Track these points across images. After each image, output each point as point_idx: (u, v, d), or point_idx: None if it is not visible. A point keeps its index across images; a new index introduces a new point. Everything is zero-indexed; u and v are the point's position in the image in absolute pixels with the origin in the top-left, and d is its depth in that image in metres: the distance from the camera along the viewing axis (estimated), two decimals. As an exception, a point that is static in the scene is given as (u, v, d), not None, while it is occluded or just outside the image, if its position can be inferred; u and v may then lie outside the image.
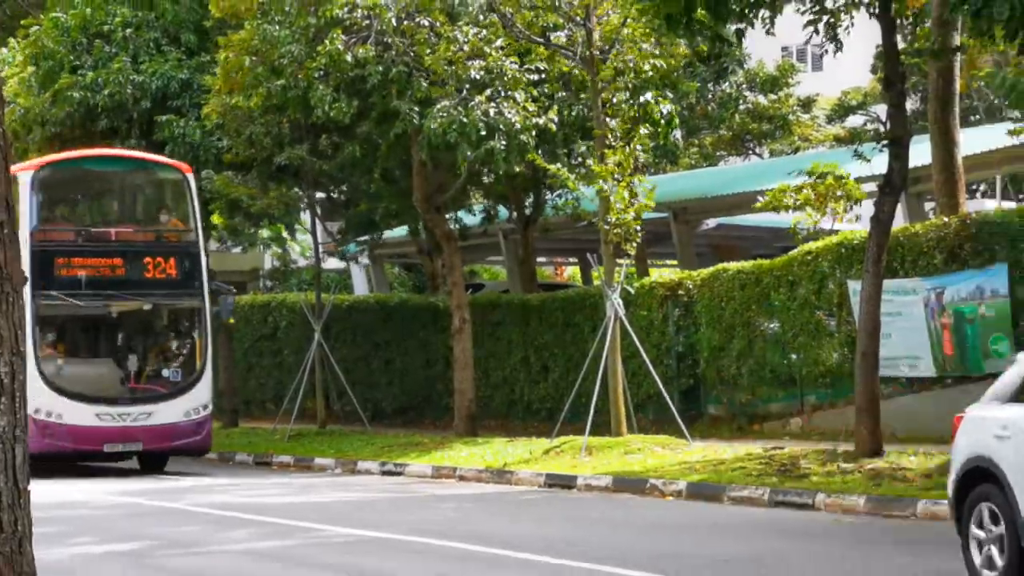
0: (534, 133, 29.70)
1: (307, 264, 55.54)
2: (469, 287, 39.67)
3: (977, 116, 46.94)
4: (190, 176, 29.08)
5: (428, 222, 34.29)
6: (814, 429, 27.54)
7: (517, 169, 30.23)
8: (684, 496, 21.66)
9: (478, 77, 29.29)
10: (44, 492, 24.83)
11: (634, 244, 28.11)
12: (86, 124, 35.90)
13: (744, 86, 54.25)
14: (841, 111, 56.85)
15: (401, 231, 40.60)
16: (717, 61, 40.76)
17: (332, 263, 53.61)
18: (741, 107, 53.65)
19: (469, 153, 28.57)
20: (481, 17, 30.38)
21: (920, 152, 28.14)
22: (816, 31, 23.55)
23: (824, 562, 15.00)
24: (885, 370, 24.18)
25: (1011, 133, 28.45)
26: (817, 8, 23.12)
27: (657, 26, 24.83)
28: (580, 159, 31.84)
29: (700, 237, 42.04)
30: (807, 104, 56.62)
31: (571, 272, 56.61)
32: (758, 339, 29.31)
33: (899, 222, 26.86)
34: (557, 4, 29.69)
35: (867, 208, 26.48)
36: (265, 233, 54.62)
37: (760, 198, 30.03)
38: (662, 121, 30.38)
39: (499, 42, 29.79)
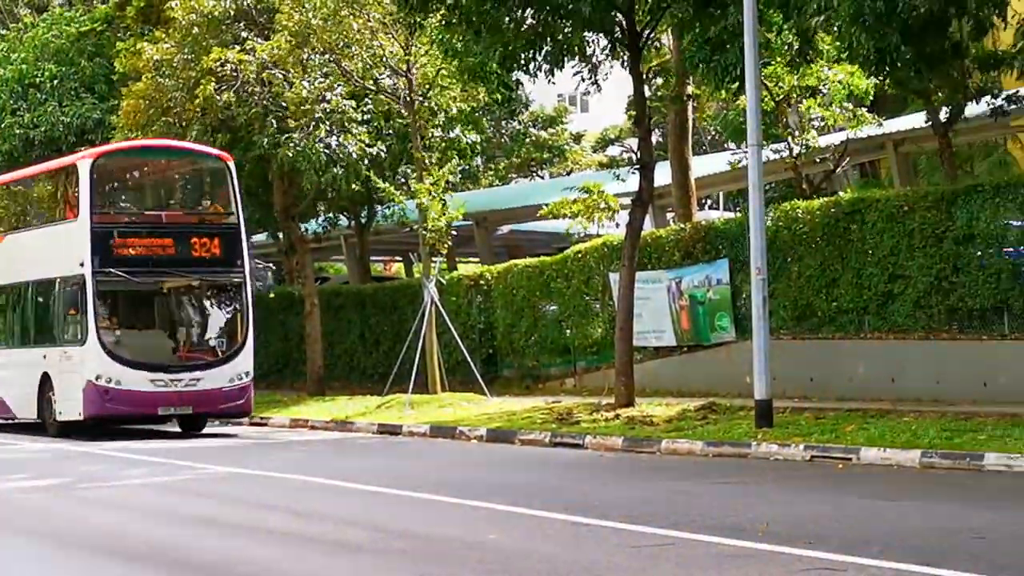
0: (367, 160, 29.55)
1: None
2: (318, 279, 39.20)
3: (704, 147, 47.51)
4: (231, 164, 25.78)
5: (285, 229, 33.87)
6: (584, 387, 27.65)
7: (355, 187, 30.05)
8: (485, 440, 21.49)
9: (321, 116, 29.04)
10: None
11: (446, 245, 28.04)
12: (26, 153, 37.09)
13: (529, 123, 54.59)
14: (603, 143, 57.24)
15: (263, 236, 39.90)
16: (508, 105, 40.70)
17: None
18: (527, 140, 53.97)
19: (316, 178, 28.67)
20: (325, 69, 29.99)
21: (663, 174, 28.51)
22: (583, 79, 23.66)
23: (588, 484, 15.04)
24: (637, 341, 24.32)
25: (731, 164, 28.88)
26: (584, 63, 23.21)
27: (460, 75, 24.72)
28: (404, 179, 31.61)
29: (497, 240, 42.03)
30: (577, 137, 57.12)
31: (397, 268, 56.22)
32: (541, 318, 29.39)
33: (648, 228, 27.06)
34: (384, 58, 29.53)
35: (623, 217, 26.66)
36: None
37: (544, 207, 30.13)
38: (468, 150, 30.46)
39: (339, 88, 29.62)
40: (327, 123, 29.20)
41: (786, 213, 23.77)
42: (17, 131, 37.88)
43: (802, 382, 22.86)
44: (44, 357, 25.35)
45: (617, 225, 31.31)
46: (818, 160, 27.28)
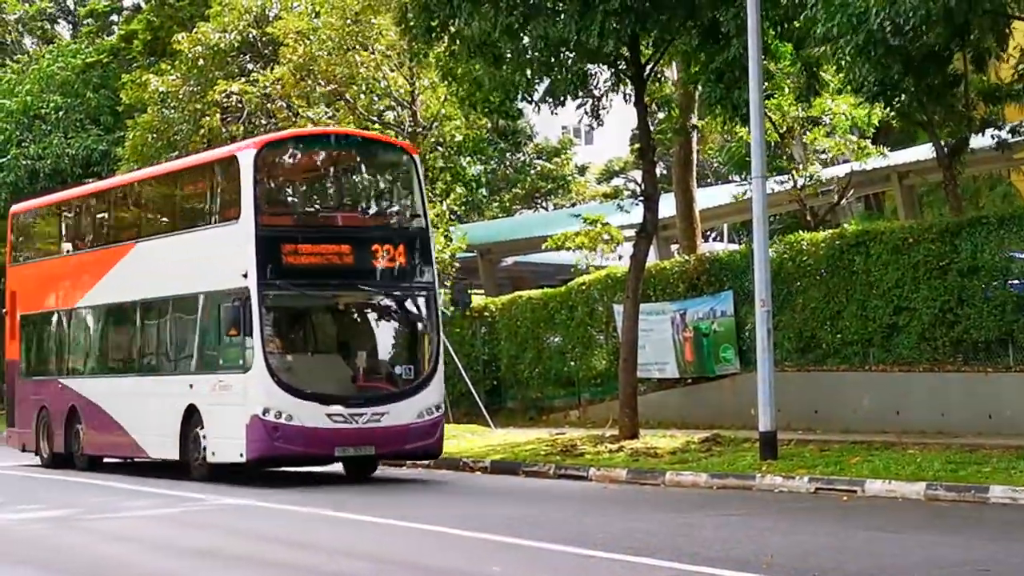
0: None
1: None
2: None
3: (708, 179, 47.66)
4: (416, 157, 22.16)
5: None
6: (588, 419, 27.59)
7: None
8: (490, 471, 21.43)
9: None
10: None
11: (450, 277, 28.10)
12: (31, 185, 37.67)
13: (534, 155, 54.72)
14: (607, 174, 57.34)
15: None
16: (513, 137, 40.91)
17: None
18: (532, 171, 54.06)
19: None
20: (328, 102, 30.22)
21: (667, 206, 28.56)
22: (586, 112, 23.76)
23: (592, 516, 15.02)
24: (641, 373, 24.32)
25: (735, 196, 28.99)
26: (586, 96, 23.33)
27: (462, 103, 24.74)
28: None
29: (501, 271, 42.10)
30: (582, 169, 57.23)
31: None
32: (545, 350, 29.40)
33: (652, 260, 27.11)
34: (389, 90, 29.70)
35: (627, 249, 26.74)
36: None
37: (548, 239, 30.19)
38: (472, 181, 30.56)
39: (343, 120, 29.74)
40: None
41: (791, 245, 23.83)
42: (23, 162, 38.40)
43: (807, 414, 22.85)
44: (190, 387, 21.05)
45: (620, 257, 31.42)
46: (822, 192, 27.38)
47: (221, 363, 20.46)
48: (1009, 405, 20.42)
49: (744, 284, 23.93)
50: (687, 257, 27.37)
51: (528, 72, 21.87)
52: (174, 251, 22.24)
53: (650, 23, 21.13)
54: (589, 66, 22.66)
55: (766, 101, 21.49)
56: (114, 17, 44.80)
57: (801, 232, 24.63)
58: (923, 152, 27.32)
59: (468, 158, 31.68)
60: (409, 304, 21.28)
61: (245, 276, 19.61)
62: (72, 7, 48.59)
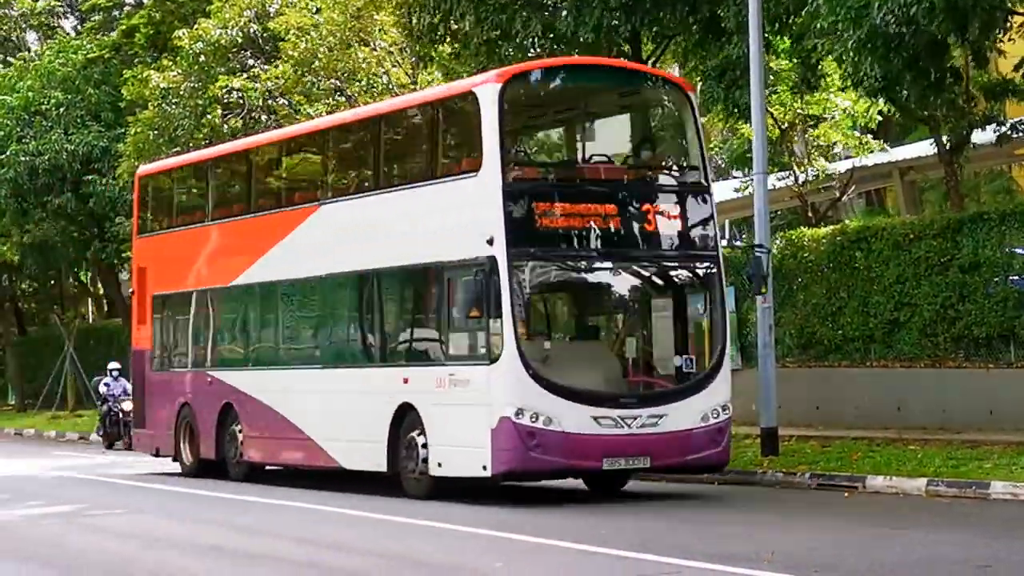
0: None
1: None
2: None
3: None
4: (693, 97, 17.74)
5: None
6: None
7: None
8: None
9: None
10: None
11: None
12: (31, 181, 38.17)
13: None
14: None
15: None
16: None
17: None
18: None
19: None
20: (330, 98, 30.40)
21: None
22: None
23: (594, 513, 15.00)
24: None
25: (737, 190, 29.00)
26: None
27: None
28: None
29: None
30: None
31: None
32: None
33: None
34: (391, 86, 29.76)
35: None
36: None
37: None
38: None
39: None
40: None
41: (792, 241, 23.87)
42: (22, 158, 38.36)
43: (808, 410, 22.93)
44: (405, 381, 17.12)
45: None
46: (824, 188, 27.40)
47: (452, 352, 16.57)
48: (1010, 400, 20.51)
49: (746, 280, 23.97)
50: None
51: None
52: (382, 213, 18.13)
53: (649, 19, 21.17)
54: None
55: (767, 96, 21.54)
56: (116, 13, 44.90)
57: (803, 228, 24.67)
58: (923, 148, 27.35)
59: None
60: (690, 279, 17.26)
61: (490, 243, 15.60)
62: (76, 2, 48.72)
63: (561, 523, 14.33)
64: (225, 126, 29.89)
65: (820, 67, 22.19)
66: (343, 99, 30.01)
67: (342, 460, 18.36)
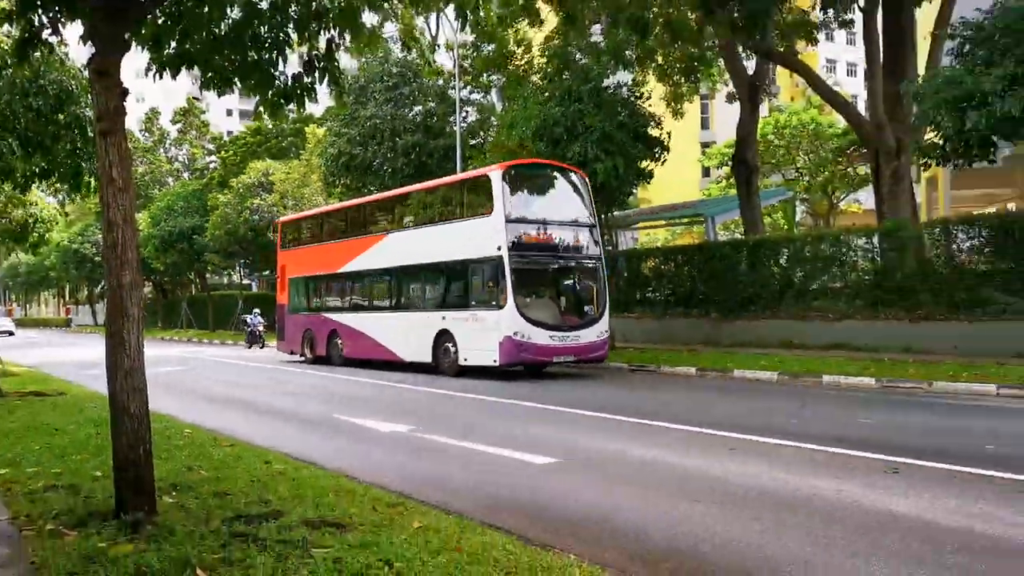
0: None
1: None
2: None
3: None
4: (586, 178, 29.59)
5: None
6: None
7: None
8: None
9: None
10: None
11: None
12: (168, 237, 71.64)
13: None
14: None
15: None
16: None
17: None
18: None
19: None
20: (299, 208, 59.10)
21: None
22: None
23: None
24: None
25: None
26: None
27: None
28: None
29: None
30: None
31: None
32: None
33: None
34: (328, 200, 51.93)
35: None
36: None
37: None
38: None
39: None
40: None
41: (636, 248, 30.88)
42: (163, 229, 70.80)
43: (645, 338, 33.92)
44: (443, 318, 28.59)
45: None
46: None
47: (473, 303, 27.66)
48: (737, 333, 31.53)
49: (612, 268, 33.04)
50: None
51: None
52: (434, 236, 29.47)
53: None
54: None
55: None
56: (210, 161, 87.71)
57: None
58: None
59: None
60: (590, 268, 28.40)
61: (499, 249, 26.67)
62: (189, 165, 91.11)
63: (514, 391, 22.36)
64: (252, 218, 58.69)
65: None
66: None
67: (404, 356, 30.70)
